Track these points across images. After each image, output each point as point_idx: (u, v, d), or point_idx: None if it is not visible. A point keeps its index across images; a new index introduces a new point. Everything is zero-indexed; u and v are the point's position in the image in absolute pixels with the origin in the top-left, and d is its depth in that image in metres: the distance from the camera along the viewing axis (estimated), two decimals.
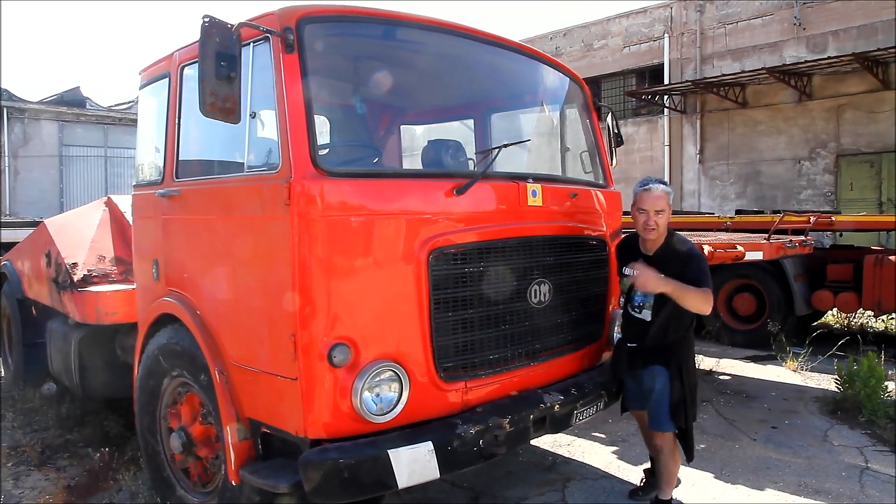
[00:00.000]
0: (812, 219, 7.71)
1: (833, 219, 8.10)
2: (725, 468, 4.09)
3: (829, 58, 12.29)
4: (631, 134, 15.96)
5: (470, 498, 3.70)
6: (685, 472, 3.81)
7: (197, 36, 2.45)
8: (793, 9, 13.60)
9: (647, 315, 3.24)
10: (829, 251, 8.25)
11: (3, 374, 6.40)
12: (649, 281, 3.06)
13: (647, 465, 3.74)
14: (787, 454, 4.33)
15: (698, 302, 3.05)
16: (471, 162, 3.66)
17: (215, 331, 2.92)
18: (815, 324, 8.69)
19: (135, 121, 5.80)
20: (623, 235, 3.69)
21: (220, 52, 2.43)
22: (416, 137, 4.77)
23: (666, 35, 15.75)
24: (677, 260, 3.16)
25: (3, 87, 19.16)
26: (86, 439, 4.54)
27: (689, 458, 3.40)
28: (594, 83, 16.29)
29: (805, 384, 6.10)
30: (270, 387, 2.63)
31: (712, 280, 3.18)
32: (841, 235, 9.41)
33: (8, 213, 16.85)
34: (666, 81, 15.42)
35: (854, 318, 8.65)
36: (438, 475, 2.53)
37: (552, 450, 4.39)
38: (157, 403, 3.35)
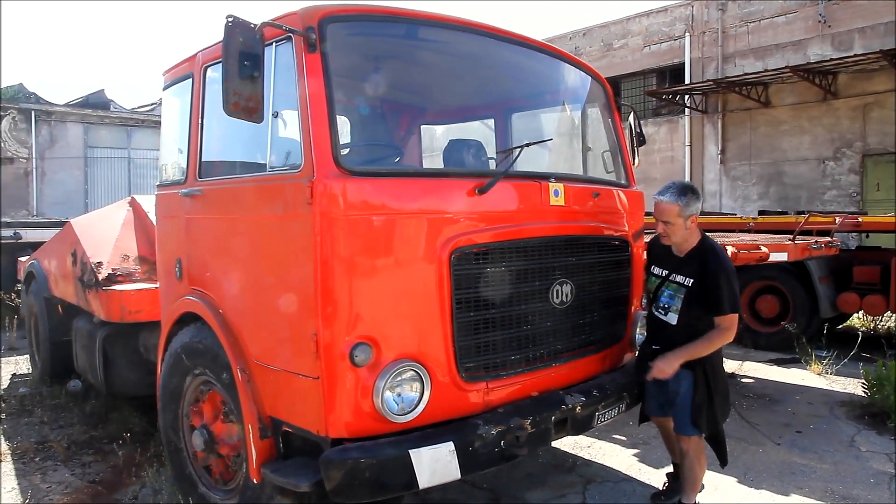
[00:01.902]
0: (838, 219, 7.56)
1: (860, 219, 7.93)
2: (749, 473, 4.02)
3: (855, 55, 12.03)
4: (651, 134, 15.77)
5: (490, 499, 3.68)
6: (708, 477, 3.74)
7: (220, 36, 2.47)
8: (817, 6, 13.35)
9: (672, 318, 3.20)
10: (855, 253, 8.08)
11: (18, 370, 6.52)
12: (667, 370, 3.09)
13: (670, 468, 3.69)
14: (812, 459, 4.24)
15: (719, 344, 3.13)
16: (492, 161, 3.64)
17: (237, 330, 2.94)
18: (841, 327, 8.52)
19: (157, 122, 5.89)
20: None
21: (243, 51, 2.44)
22: (436, 137, 4.77)
23: (687, 34, 15.56)
24: (706, 273, 3.10)
25: (31, 91, 19.57)
26: (110, 436, 4.60)
27: (723, 463, 3.36)
28: (614, 83, 16.06)
29: (830, 388, 5.98)
30: (292, 386, 2.64)
31: None
32: (867, 237, 9.21)
33: (35, 213, 17.20)
34: (687, 81, 15.23)
35: (881, 321, 8.47)
36: (459, 476, 2.52)
37: (573, 452, 4.35)
38: (180, 401, 3.39)
